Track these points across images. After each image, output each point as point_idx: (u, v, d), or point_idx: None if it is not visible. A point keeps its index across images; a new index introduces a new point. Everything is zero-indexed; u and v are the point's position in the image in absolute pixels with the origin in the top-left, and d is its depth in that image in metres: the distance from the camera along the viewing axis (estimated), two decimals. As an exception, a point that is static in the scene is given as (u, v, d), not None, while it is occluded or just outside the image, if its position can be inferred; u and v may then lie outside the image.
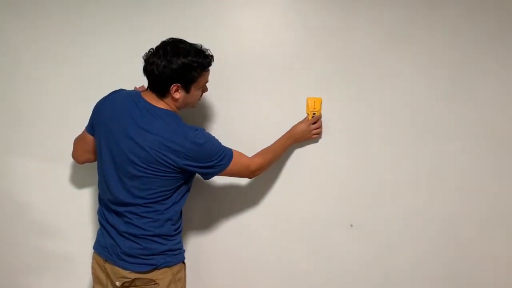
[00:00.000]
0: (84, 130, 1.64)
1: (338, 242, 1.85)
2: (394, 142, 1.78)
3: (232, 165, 1.55)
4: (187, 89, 1.48)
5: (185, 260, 1.64)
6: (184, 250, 1.63)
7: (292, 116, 1.77)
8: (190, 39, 1.51)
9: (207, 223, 1.88)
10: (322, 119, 1.77)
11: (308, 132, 1.75)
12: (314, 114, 1.76)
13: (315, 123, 1.75)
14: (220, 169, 1.53)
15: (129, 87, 1.65)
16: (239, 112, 1.81)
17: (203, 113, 1.80)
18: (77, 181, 1.89)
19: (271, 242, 1.87)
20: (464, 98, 1.74)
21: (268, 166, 1.69)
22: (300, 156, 1.81)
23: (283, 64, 1.77)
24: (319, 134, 1.78)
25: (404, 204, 1.81)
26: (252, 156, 1.64)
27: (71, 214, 1.90)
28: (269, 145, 1.71)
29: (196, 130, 1.48)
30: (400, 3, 1.71)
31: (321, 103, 1.76)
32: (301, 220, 1.85)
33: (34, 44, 1.81)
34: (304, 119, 1.77)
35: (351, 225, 1.83)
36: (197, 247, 1.88)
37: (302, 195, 1.84)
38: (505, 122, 1.75)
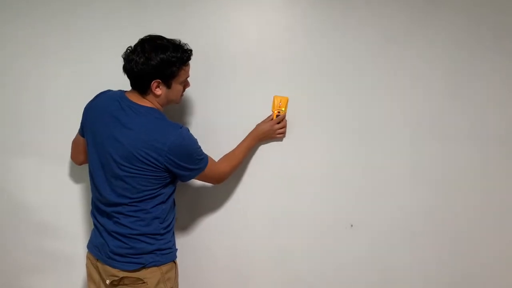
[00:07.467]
0: (77, 133, 1.67)
1: (338, 242, 1.83)
2: (394, 142, 1.76)
3: (207, 170, 1.56)
4: (168, 84, 1.48)
5: (178, 259, 1.63)
6: (176, 249, 1.63)
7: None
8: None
9: (202, 221, 1.87)
10: (325, 120, 1.75)
11: (272, 132, 1.73)
12: (279, 113, 1.72)
13: (279, 122, 1.72)
14: (197, 172, 1.54)
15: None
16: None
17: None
18: (77, 181, 1.91)
19: (269, 242, 1.86)
20: (463, 99, 1.72)
21: (233, 173, 1.69)
22: (299, 155, 1.79)
23: (275, 63, 1.75)
24: (283, 133, 1.75)
25: (404, 204, 1.80)
26: (219, 163, 1.64)
27: (71, 214, 1.92)
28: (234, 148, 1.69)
29: (181, 127, 1.48)
30: (398, 4, 1.69)
31: (287, 102, 1.73)
32: (300, 220, 1.83)
33: (34, 44, 1.83)
34: (269, 117, 1.74)
35: (351, 225, 1.82)
36: (191, 246, 1.87)
37: (302, 194, 1.82)
38: (504, 122, 1.72)
